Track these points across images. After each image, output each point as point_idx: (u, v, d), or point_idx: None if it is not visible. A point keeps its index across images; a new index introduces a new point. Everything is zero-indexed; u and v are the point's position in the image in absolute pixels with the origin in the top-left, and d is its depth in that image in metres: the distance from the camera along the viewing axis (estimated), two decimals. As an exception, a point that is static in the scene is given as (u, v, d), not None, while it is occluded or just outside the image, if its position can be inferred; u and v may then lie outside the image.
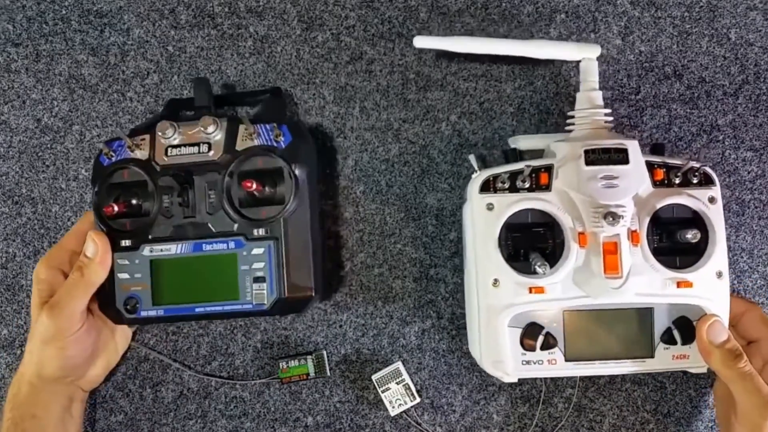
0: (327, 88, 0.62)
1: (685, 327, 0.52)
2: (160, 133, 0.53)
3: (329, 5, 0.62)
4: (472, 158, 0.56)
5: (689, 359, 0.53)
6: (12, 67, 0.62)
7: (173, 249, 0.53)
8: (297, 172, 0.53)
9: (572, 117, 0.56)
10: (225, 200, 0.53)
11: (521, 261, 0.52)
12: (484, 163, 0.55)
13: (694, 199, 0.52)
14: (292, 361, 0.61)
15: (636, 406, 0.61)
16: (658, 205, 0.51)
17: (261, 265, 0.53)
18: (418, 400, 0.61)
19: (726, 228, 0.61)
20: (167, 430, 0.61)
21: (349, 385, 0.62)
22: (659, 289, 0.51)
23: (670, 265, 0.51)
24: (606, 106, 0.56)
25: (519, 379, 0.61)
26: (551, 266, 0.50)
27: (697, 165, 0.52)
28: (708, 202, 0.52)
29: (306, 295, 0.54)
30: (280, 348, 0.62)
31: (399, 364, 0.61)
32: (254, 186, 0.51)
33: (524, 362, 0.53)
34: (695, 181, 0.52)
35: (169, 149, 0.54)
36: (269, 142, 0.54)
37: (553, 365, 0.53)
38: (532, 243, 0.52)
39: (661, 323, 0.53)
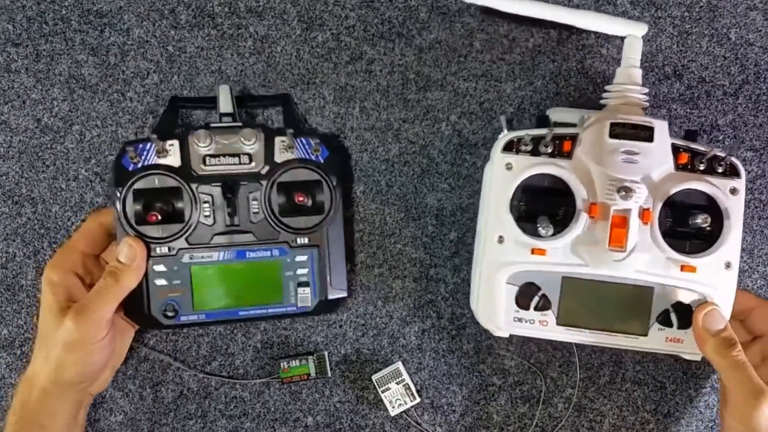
0: (327, 88, 0.62)
1: (683, 311, 0.52)
2: (195, 141, 0.54)
3: (329, 5, 0.62)
4: (502, 119, 0.56)
5: (683, 344, 0.53)
6: (12, 67, 0.62)
7: (215, 256, 0.56)
8: (334, 184, 0.56)
9: (608, 91, 0.55)
10: (268, 210, 0.55)
11: (531, 223, 0.52)
12: (512, 128, 0.56)
13: (712, 186, 0.51)
14: (294, 361, 0.61)
15: (636, 406, 0.61)
16: (675, 189, 0.51)
17: (305, 271, 0.57)
18: (418, 400, 0.61)
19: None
20: (167, 430, 0.61)
21: (349, 385, 0.62)
22: (662, 270, 0.51)
23: (679, 248, 0.51)
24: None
25: (519, 380, 0.61)
26: (557, 231, 0.51)
27: (722, 154, 0.52)
28: (729, 193, 0.52)
29: (342, 297, 0.59)
30: (280, 348, 0.62)
31: (399, 364, 0.61)
32: (305, 199, 0.56)
33: (516, 319, 0.53)
34: (720, 170, 0.52)
35: (207, 158, 0.55)
36: (307, 156, 0.56)
37: (543, 326, 0.53)
38: (544, 207, 0.53)
39: (659, 304, 0.52)
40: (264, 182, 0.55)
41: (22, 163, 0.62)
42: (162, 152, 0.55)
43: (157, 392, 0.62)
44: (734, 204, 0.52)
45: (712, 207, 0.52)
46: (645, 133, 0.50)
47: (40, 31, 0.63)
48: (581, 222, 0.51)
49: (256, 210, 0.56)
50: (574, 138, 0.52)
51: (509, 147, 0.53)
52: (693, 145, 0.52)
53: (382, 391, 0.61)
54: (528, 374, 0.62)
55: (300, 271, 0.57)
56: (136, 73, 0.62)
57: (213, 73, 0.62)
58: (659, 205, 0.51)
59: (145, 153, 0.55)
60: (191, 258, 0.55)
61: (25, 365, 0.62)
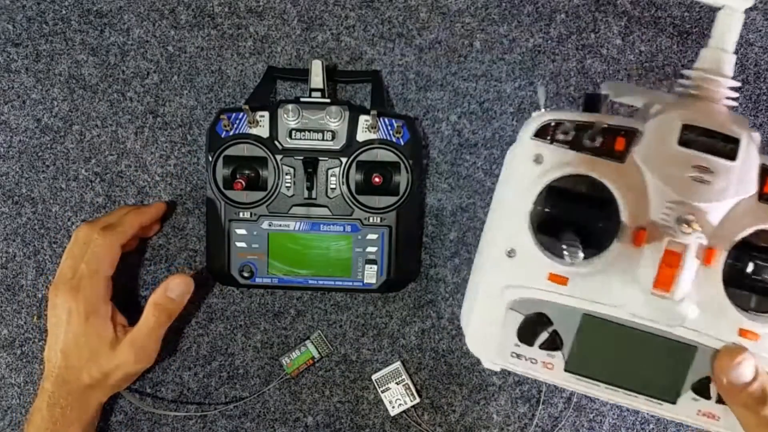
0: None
1: None
2: (284, 115, 0.57)
3: (329, 5, 0.62)
4: (540, 90, 0.44)
5: (719, 422, 0.41)
6: (12, 67, 0.62)
7: (292, 225, 0.58)
8: (412, 168, 0.58)
9: (686, 77, 0.42)
10: (345, 187, 0.58)
11: (554, 238, 0.41)
12: (551, 106, 0.47)
13: None
14: (294, 353, 0.61)
15: (636, 406, 0.61)
16: (754, 227, 0.39)
17: (374, 249, 0.58)
18: (418, 400, 0.61)
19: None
20: (167, 430, 0.62)
21: (349, 385, 0.62)
22: (713, 329, 0.40)
23: (743, 304, 0.40)
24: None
25: (519, 380, 0.61)
26: (588, 256, 0.39)
27: None
28: None
29: (408, 278, 0.61)
30: (280, 348, 0.62)
31: (399, 364, 0.61)
32: (380, 180, 0.57)
33: (514, 354, 0.43)
34: None
35: (293, 132, 0.57)
36: (389, 137, 0.58)
37: (548, 369, 0.43)
38: (573, 219, 0.41)
39: (699, 369, 0.41)
40: (344, 159, 0.57)
41: (22, 163, 0.62)
42: (253, 122, 0.57)
43: (157, 392, 0.62)
44: None
45: None
46: (727, 146, 0.38)
47: (40, 31, 0.63)
48: (621, 249, 0.39)
49: (334, 186, 0.58)
50: (631, 134, 0.40)
51: (543, 133, 0.40)
52: None
53: (382, 391, 0.61)
54: (528, 374, 0.62)
55: (369, 249, 0.58)
56: (136, 73, 0.62)
57: (213, 73, 0.62)
58: (728, 246, 0.39)
59: (237, 122, 0.57)
60: (270, 225, 0.58)
61: (25, 365, 0.62)
